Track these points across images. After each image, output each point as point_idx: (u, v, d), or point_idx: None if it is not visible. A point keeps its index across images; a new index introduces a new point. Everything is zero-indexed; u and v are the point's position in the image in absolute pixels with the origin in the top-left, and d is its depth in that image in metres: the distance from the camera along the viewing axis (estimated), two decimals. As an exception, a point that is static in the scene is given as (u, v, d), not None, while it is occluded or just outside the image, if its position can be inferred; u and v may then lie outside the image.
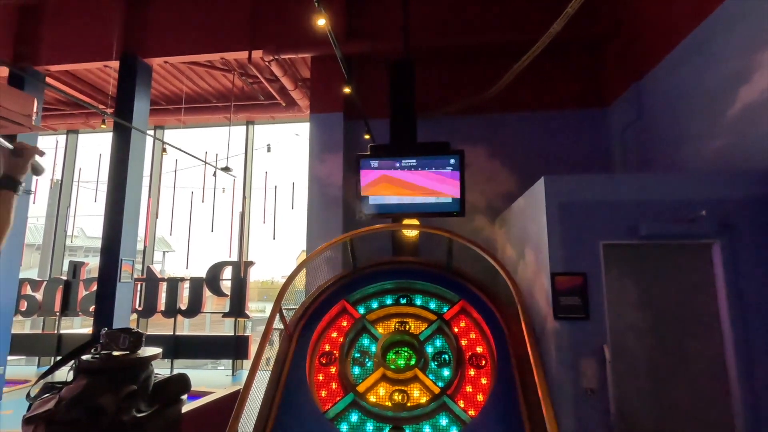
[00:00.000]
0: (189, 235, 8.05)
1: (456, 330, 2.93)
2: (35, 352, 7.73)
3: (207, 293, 7.14)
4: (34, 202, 8.52)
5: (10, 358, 6.07)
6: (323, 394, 2.70)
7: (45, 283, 7.68)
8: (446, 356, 2.83)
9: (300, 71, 6.39)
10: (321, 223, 4.78)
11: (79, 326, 9.27)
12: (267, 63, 5.13)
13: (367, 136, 4.53)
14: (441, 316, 2.97)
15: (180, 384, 1.94)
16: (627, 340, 2.51)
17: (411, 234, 3.63)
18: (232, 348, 6.93)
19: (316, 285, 3.40)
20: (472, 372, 2.70)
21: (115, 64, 5.74)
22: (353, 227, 4.31)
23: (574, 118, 4.82)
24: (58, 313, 7.51)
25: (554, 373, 2.46)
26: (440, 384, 2.62)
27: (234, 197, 7.79)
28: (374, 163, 3.71)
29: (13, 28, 5.87)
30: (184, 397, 2.02)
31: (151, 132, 8.07)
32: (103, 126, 6.01)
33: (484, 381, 2.65)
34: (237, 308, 6.86)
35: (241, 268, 6.96)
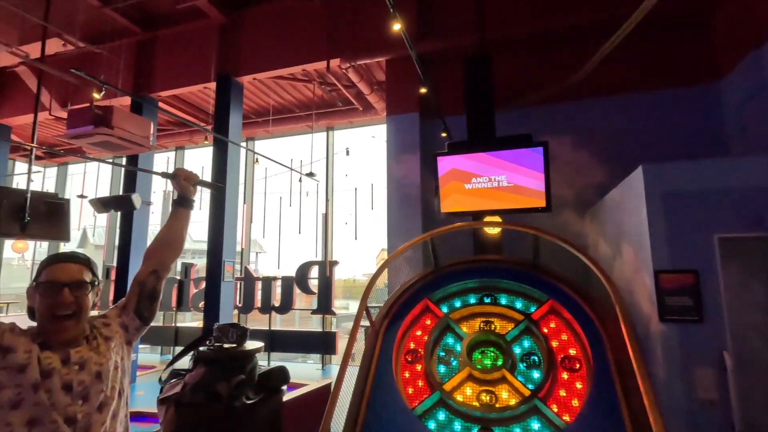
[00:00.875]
0: (279, 237, 8.67)
1: (545, 331, 2.80)
2: (158, 342, 8.89)
3: (297, 291, 7.63)
4: (152, 212, 9.80)
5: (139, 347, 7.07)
6: (410, 391, 2.75)
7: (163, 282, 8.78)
8: (536, 358, 2.72)
9: (375, 75, 6.55)
10: (400, 222, 4.85)
11: (190, 320, 10.40)
12: (344, 70, 5.34)
13: (444, 134, 4.51)
14: (528, 316, 2.86)
15: (281, 375, 2.11)
16: (752, 345, 2.20)
17: (493, 231, 3.54)
18: (321, 343, 7.32)
19: (398, 284, 3.47)
20: (565, 375, 2.57)
21: (213, 85, 6.39)
22: (432, 226, 4.33)
23: (677, 97, 4.31)
24: (174, 309, 8.55)
25: (662, 380, 2.24)
26: (530, 386, 2.53)
27: (318, 200, 8.23)
28: (453, 160, 3.68)
29: (132, 63, 6.81)
30: (284, 387, 2.18)
31: (244, 144, 8.83)
32: (205, 141, 6.71)
33: (579, 385, 2.49)
34: (324, 305, 7.24)
35: (327, 267, 7.32)
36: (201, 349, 2.10)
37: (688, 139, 4.18)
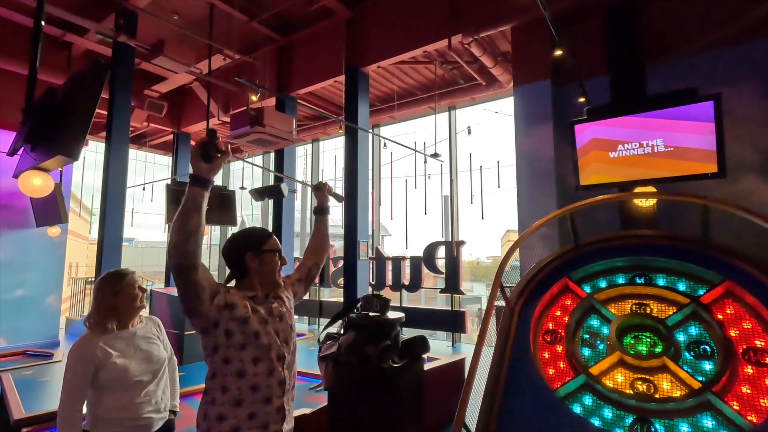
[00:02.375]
0: (406, 219, 8.99)
1: (720, 317, 2.40)
2: (306, 314, 10.11)
3: (425, 270, 7.85)
4: (296, 199, 11.07)
5: (292, 316, 8.13)
6: (551, 372, 2.63)
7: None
8: (706, 347, 2.36)
9: (499, 46, 6.23)
10: (532, 199, 4.59)
11: (328, 296, 11.46)
12: (466, 45, 5.20)
13: (581, 99, 4.08)
14: (696, 300, 2.48)
15: (422, 344, 2.23)
16: None
17: (646, 204, 3.12)
18: (450, 321, 7.44)
19: (531, 263, 3.31)
20: (749, 369, 2.17)
21: (342, 78, 6.86)
22: (568, 202, 3.98)
23: None
24: (317, 285, 9.59)
25: None
26: (700, 378, 2.21)
27: (442, 181, 8.27)
28: (594, 127, 3.33)
29: (275, 67, 7.71)
30: (425, 355, 2.30)
31: (372, 131, 9.31)
32: (340, 131, 7.26)
33: (769, 383, 2.09)
34: (452, 284, 7.31)
35: (453, 247, 7.36)
36: (351, 316, 2.34)
37: None
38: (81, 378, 1.79)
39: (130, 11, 5.96)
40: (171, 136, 10.92)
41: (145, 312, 2.15)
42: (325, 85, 7.55)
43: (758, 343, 2.24)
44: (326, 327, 2.35)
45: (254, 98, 5.10)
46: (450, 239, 7.82)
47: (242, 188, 10.04)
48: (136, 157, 13.10)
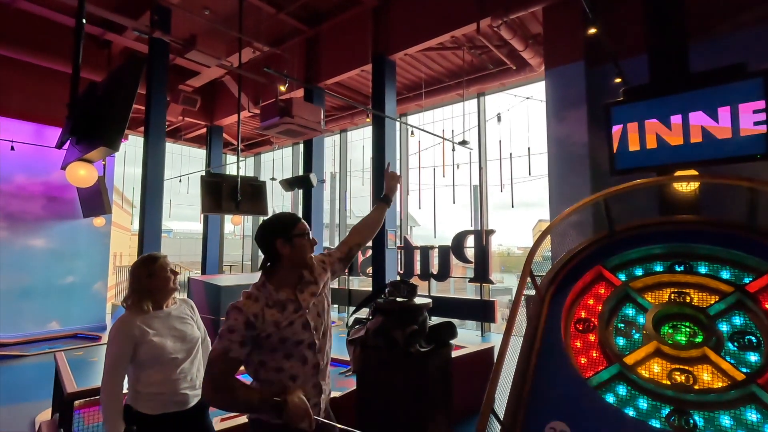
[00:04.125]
0: (434, 208, 8.93)
1: (767, 306, 2.27)
2: (335, 302, 10.29)
3: (453, 260, 7.80)
4: (325, 189, 11.22)
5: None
6: (582, 360, 2.57)
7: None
8: (752, 338, 2.24)
9: (530, 27, 6.03)
10: (565, 186, 4.45)
11: (357, 285, 11.60)
12: (496, 28, 5.06)
13: (618, 80, 3.90)
14: (741, 288, 2.36)
15: (450, 329, 2.22)
16: None
17: (688, 188, 2.97)
18: (480, 310, 7.38)
19: (563, 251, 3.22)
20: (799, 362, 2.05)
21: (369, 67, 6.84)
22: (603, 188, 3.82)
23: None
24: (347, 274, 9.72)
25: None
26: (744, 370, 2.10)
27: (471, 169, 8.15)
28: (631, 109, 3.18)
29: (303, 58, 7.77)
30: (452, 342, 2.30)
31: (399, 120, 9.27)
32: (367, 120, 7.26)
33: (822, 376, 1.97)
34: (481, 273, 7.24)
35: (483, 236, 7.27)
36: (378, 301, 2.36)
37: None
38: (121, 355, 1.92)
39: (164, 7, 6.15)
40: (204, 130, 11.25)
41: (181, 295, 2.26)
42: (352, 74, 7.55)
43: (810, 334, 2.11)
44: (354, 311, 2.39)
45: (282, 88, 5.18)
46: (479, 228, 7.72)
47: (273, 179, 10.26)
48: (172, 150, 13.58)
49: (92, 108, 2.56)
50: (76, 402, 2.84)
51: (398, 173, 2.18)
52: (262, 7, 6.55)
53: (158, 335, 1.99)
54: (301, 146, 9.45)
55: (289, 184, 7.20)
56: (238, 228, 15.80)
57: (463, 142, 6.81)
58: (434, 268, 8.05)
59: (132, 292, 2.05)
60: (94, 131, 2.48)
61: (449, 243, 7.82)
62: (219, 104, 10.42)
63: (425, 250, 8.13)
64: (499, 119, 8.37)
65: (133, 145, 12.86)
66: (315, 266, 1.78)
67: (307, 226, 1.74)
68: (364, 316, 2.42)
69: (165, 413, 1.95)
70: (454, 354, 3.13)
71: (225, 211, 6.52)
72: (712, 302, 2.42)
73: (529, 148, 7.68)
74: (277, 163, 13.68)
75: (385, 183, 2.16)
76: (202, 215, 9.91)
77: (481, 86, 7.82)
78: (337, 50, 7.35)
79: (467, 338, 7.17)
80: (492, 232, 7.30)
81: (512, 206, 7.85)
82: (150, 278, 2.04)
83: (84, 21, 2.62)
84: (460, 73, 7.67)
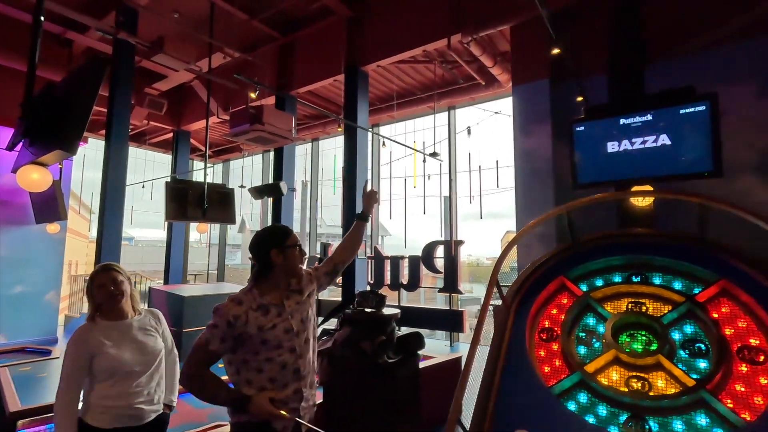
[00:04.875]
0: (405, 218, 8.99)
1: (715, 315, 2.41)
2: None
3: (423, 270, 7.85)
4: (296, 198, 11.09)
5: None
6: (546, 369, 2.64)
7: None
8: (701, 345, 2.36)
9: (498, 45, 6.24)
10: (531, 198, 4.60)
11: (327, 295, 11.49)
12: (465, 45, 5.21)
13: (579, 99, 4.09)
14: (691, 298, 2.49)
15: (418, 340, 2.23)
16: None
17: (643, 202, 3.13)
18: (449, 320, 7.44)
19: (529, 262, 3.31)
20: (743, 368, 2.18)
21: (341, 77, 6.86)
22: (567, 201, 3.98)
23: None
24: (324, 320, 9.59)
25: None
26: (694, 376, 2.22)
27: (441, 181, 8.27)
28: (592, 126, 3.34)
29: (275, 66, 7.71)
30: (421, 352, 2.30)
31: (371, 130, 9.32)
32: (339, 129, 7.26)
33: (763, 381, 2.10)
34: (450, 284, 7.32)
35: (452, 247, 7.36)
36: (347, 311, 2.34)
37: None
38: (77, 365, 1.86)
39: (130, 8, 5.97)
40: (171, 135, 10.93)
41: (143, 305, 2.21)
42: (325, 84, 7.55)
43: (753, 342, 2.25)
44: (323, 322, 2.36)
45: (253, 95, 5.11)
46: (449, 238, 7.83)
47: (242, 186, 10.06)
48: (136, 155, 13.10)
49: (49, 109, 2.44)
50: (20, 422, 2.65)
51: (376, 191, 2.31)
52: (234, 12, 6.47)
53: (115, 347, 1.94)
54: (272, 154, 9.33)
55: (259, 192, 7.08)
56: (204, 236, 15.33)
57: (434, 154, 6.92)
58: (404, 279, 8.07)
59: (89, 302, 2.03)
60: (50, 133, 2.37)
61: (420, 253, 7.87)
62: (187, 109, 10.16)
63: (395, 260, 8.16)
64: (469, 132, 8.57)
65: (93, 149, 12.33)
66: (303, 276, 1.90)
67: (299, 239, 1.87)
68: (333, 327, 2.39)
69: (117, 427, 1.88)
70: (423, 364, 3.14)
71: (190, 219, 6.33)
72: (666, 312, 2.54)
73: (497, 161, 7.89)
74: (247, 171, 13.44)
75: (363, 200, 2.27)
76: (166, 222, 9.57)
77: (452, 100, 8.00)
78: (311, 59, 7.34)
79: (436, 348, 7.21)
80: (461, 242, 7.42)
81: (480, 217, 8.01)
82: (99, 289, 2.01)
83: (42, 18, 2.51)
84: (431, 87, 7.81)
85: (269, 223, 8.30)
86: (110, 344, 1.93)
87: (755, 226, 2.18)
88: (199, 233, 10.95)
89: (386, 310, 2.36)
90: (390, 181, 9.52)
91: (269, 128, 5.61)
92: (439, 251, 7.66)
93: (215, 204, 6.51)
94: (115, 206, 6.10)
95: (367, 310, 2.32)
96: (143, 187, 12.62)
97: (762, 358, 2.18)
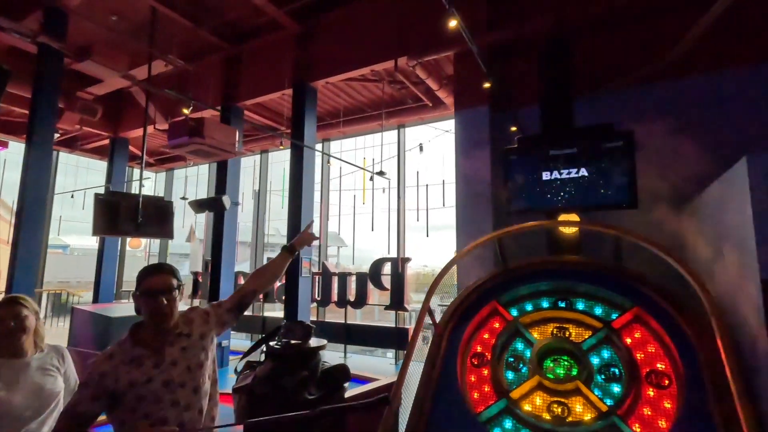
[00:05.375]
0: (353, 234, 8.95)
1: (628, 341, 2.55)
2: (248, 330, 9.73)
3: (370, 286, 7.82)
4: (242, 211, 10.71)
5: (232, 333, 7.78)
6: (475, 395, 2.67)
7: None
8: (616, 370, 2.49)
9: (445, 69, 6.43)
10: (470, 220, 4.72)
11: (279, 309, 11.17)
12: (412, 67, 5.32)
13: (513, 129, 4.28)
14: (608, 324, 2.63)
15: (343, 373, 2.18)
16: None
17: (570, 230, 3.29)
18: (395, 338, 7.44)
19: (468, 283, 3.38)
20: (651, 392, 2.31)
21: (290, 91, 6.77)
22: (504, 225, 4.13)
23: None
24: (262, 300, 9.27)
25: (771, 408, 1.91)
26: (608, 401, 2.32)
27: (389, 198, 8.33)
28: (524, 155, 3.49)
29: (222, 76, 7.48)
30: (347, 384, 2.25)
31: (319, 145, 9.24)
32: (281, 146, 7.13)
33: (667, 405, 2.24)
34: (396, 301, 7.33)
35: (399, 264, 7.40)
36: (271, 344, 2.25)
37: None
38: None
39: (58, 10, 5.57)
40: (107, 141, 10.26)
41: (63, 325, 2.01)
42: (273, 97, 7.42)
43: (659, 366, 2.40)
44: (244, 356, 2.25)
45: (186, 111, 4.90)
46: (396, 256, 7.87)
47: (184, 198, 9.59)
48: (67, 160, 12.16)
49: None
50: None
51: (317, 237, 2.23)
52: (178, 19, 6.22)
53: (5, 388, 1.75)
54: (215, 166, 8.99)
55: (200, 205, 6.78)
56: (144, 245, 14.45)
57: (381, 173, 6.97)
58: (352, 295, 8.00)
59: None
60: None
61: (367, 270, 7.85)
62: (126, 115, 9.59)
63: (343, 277, 8.08)
64: (421, 149, 8.72)
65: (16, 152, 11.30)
66: (195, 319, 1.72)
67: (168, 282, 1.63)
68: (257, 360, 2.29)
69: None
70: (359, 390, 3.07)
71: (122, 233, 5.93)
72: (586, 337, 2.66)
73: (444, 180, 8.08)
74: (193, 180, 12.86)
75: (299, 236, 2.15)
76: (95, 236, 8.89)
77: (402, 119, 8.12)
78: (258, 72, 7.19)
79: (382, 368, 7.16)
80: (408, 259, 7.47)
81: (427, 235, 8.14)
82: None
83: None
84: (380, 105, 7.91)
85: (210, 234, 7.93)
86: (0, 385, 1.74)
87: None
88: (131, 248, 10.27)
89: (313, 342, 2.29)
90: (339, 196, 9.47)
91: (210, 141, 5.40)
92: (387, 268, 7.68)
93: (151, 217, 6.14)
94: (36, 214, 5.59)
95: (293, 342, 2.24)
96: (72, 196, 11.68)
97: (667, 382, 2.32)
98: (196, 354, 1.65)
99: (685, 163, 3.89)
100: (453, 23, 2.58)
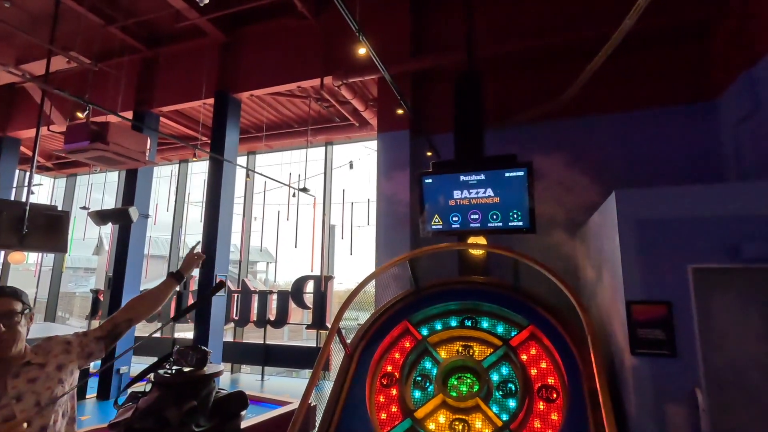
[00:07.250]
0: (276, 251, 8.67)
1: (524, 358, 2.72)
2: (155, 354, 8.89)
3: (292, 305, 7.59)
4: (155, 224, 9.91)
5: (134, 357, 7.06)
6: (383, 416, 2.67)
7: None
8: (512, 386, 2.64)
9: (371, 92, 6.58)
10: (389, 240, 4.81)
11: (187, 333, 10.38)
12: (337, 87, 5.37)
13: (429, 153, 4.48)
14: (507, 342, 2.79)
15: (239, 401, 2.06)
16: (726, 382, 2.09)
17: (478, 252, 3.48)
18: (315, 358, 7.24)
19: (384, 301, 3.41)
20: (541, 405, 2.48)
21: (211, 100, 6.48)
22: (421, 245, 4.28)
23: (672, 115, 4.24)
24: (172, 320, 8.55)
25: (634, 416, 2.14)
26: (504, 416, 2.45)
27: (315, 215, 8.23)
28: (438, 179, 3.64)
29: (135, 79, 6.96)
30: (243, 413, 2.13)
31: (242, 158, 8.91)
32: (193, 159, 6.77)
33: (554, 417, 2.41)
34: (318, 320, 7.18)
35: (322, 282, 7.28)
36: (159, 371, 2.07)
37: (684, 159, 4.09)
38: None
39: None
40: (-8, 140, 8.99)
41: None
42: (194, 105, 7.05)
43: (550, 381, 2.58)
44: (127, 386, 2.04)
45: (80, 115, 4.47)
46: (320, 274, 7.74)
47: (84, 208, 8.65)
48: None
49: None
50: None
51: (203, 256, 2.07)
52: (85, 14, 5.72)
53: None
54: (122, 174, 8.27)
55: (102, 217, 6.14)
56: (35, 255, 12.75)
57: (304, 189, 6.88)
58: (272, 314, 7.69)
59: None
60: None
61: (289, 288, 7.62)
62: (17, 112, 8.51)
63: (264, 295, 7.75)
64: (351, 166, 8.75)
65: None
66: (51, 349, 1.54)
67: (8, 306, 1.45)
68: (142, 390, 2.09)
69: None
70: (259, 418, 2.93)
71: (2, 246, 5.17)
72: (488, 354, 2.80)
73: (369, 199, 8.17)
74: (99, 187, 11.67)
75: (185, 259, 1.97)
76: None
77: (329, 136, 8.13)
78: (177, 78, 6.81)
79: (302, 390, 6.91)
80: (331, 278, 7.39)
81: (351, 253, 8.13)
82: None
83: None
84: (308, 121, 7.86)
85: (115, 251, 7.21)
86: None
87: (562, 275, 2.54)
88: (12, 264, 9.00)
89: (209, 368, 2.15)
90: (263, 211, 9.15)
91: (116, 148, 4.96)
92: (309, 286, 7.52)
93: (40, 229, 5.43)
94: None
95: (186, 369, 2.08)
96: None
97: (555, 395, 2.50)
98: (50, 387, 1.46)
99: (578, 192, 4.34)
100: (362, 50, 2.67)
